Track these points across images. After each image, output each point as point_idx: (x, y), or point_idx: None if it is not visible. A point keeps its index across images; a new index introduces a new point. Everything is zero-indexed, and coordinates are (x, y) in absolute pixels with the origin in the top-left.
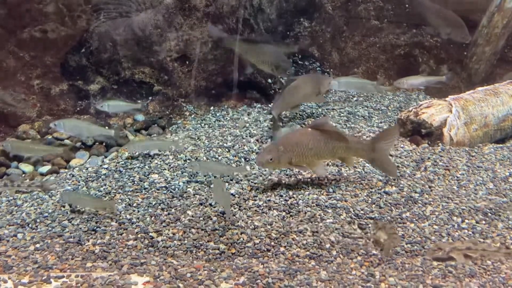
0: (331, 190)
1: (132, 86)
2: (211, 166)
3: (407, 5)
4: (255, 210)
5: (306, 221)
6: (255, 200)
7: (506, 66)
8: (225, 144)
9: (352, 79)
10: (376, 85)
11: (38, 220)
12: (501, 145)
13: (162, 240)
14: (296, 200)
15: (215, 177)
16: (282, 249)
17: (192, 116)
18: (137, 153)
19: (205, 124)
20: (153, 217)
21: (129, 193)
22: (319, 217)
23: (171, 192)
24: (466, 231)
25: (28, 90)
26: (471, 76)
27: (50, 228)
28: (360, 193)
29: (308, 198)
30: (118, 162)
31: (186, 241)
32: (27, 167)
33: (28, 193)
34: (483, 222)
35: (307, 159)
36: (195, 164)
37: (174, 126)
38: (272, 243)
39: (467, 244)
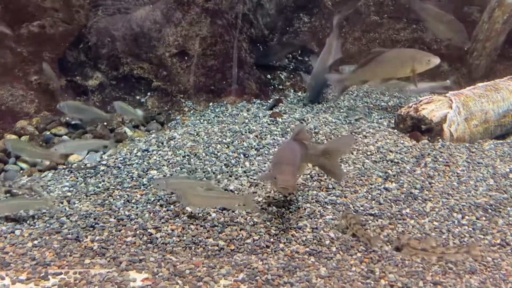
0: (330, 186)
1: (131, 82)
2: (177, 182)
3: (406, 3)
4: (255, 206)
5: (305, 218)
6: (254, 196)
7: (506, 62)
8: (224, 140)
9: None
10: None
11: (36, 217)
12: (501, 141)
13: (161, 237)
14: (295, 196)
15: None
16: (281, 245)
17: (191, 112)
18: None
19: (204, 120)
20: (151, 214)
21: (128, 189)
22: (319, 213)
23: None
24: (466, 227)
25: (26, 85)
26: (471, 71)
27: (48, 225)
28: (359, 189)
29: (307, 194)
30: (117, 158)
31: (185, 238)
32: (25, 164)
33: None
34: (483, 218)
35: None
36: (161, 182)
37: (173, 122)
38: (272, 240)
39: (424, 245)
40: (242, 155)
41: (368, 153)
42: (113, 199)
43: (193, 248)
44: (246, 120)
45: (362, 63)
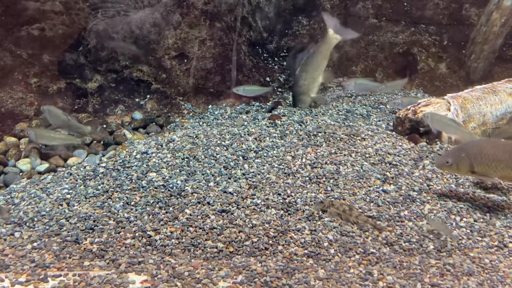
0: (329, 188)
1: (130, 85)
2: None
3: (405, 3)
4: (253, 209)
5: (304, 220)
6: (253, 199)
7: (504, 65)
8: (223, 143)
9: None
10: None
11: (35, 219)
12: None
13: (160, 239)
14: (294, 198)
15: None
16: (280, 247)
17: (190, 114)
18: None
19: (203, 123)
20: (151, 216)
21: (127, 191)
22: (317, 215)
23: (169, 190)
24: (464, 229)
25: (25, 88)
26: (469, 74)
27: (47, 227)
28: (358, 192)
29: (306, 197)
30: (116, 161)
31: (184, 240)
32: (24, 166)
33: None
34: (481, 220)
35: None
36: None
37: (172, 124)
38: (270, 242)
39: (345, 207)
40: (241, 158)
41: (367, 155)
42: (112, 202)
43: (192, 250)
44: (245, 123)
45: None
